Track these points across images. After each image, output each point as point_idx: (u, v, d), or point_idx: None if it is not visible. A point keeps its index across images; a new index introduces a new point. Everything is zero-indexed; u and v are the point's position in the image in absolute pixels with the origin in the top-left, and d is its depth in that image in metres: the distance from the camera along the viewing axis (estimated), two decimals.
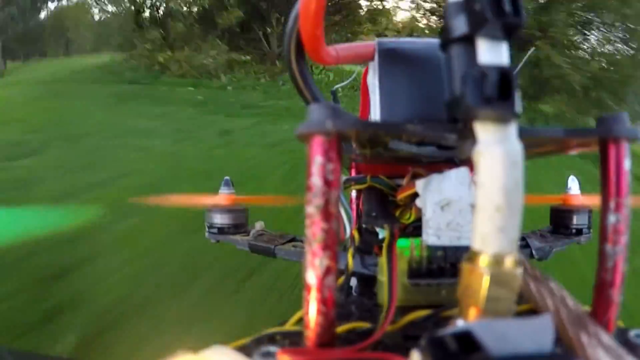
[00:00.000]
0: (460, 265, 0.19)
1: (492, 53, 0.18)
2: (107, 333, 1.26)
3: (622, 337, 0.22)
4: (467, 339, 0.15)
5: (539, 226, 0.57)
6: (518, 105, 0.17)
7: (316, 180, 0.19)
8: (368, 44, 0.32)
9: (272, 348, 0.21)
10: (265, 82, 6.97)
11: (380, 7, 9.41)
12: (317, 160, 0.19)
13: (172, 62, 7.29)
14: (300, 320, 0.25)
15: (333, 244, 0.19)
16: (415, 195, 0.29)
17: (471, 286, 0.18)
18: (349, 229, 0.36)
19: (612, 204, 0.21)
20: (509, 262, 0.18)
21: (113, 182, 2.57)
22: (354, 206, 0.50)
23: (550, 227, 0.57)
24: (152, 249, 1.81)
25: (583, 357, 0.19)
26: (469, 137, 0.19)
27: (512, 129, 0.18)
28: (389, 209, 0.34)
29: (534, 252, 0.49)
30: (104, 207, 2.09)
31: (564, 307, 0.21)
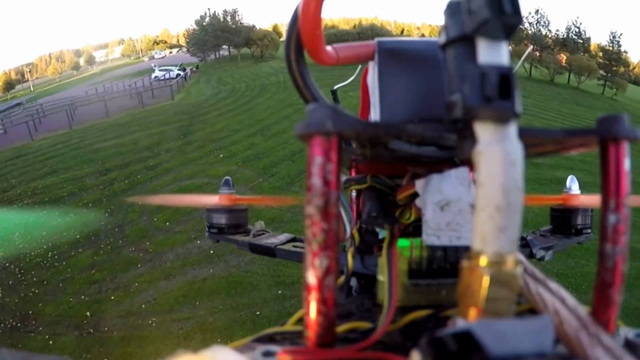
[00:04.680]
0: (460, 265, 0.19)
1: (492, 53, 0.18)
2: None
3: (622, 337, 0.22)
4: (467, 339, 0.15)
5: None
6: (518, 105, 0.17)
7: (316, 180, 0.19)
8: (368, 43, 0.32)
9: (272, 348, 0.20)
10: None
11: None
12: (317, 160, 0.19)
13: None
14: (300, 320, 0.25)
15: (333, 244, 0.19)
16: (415, 195, 0.29)
17: (471, 286, 0.18)
18: (349, 229, 0.36)
19: (612, 204, 0.21)
20: (509, 262, 0.18)
21: None
22: (354, 206, 0.49)
23: (550, 227, 0.57)
24: None
25: (583, 357, 0.19)
26: (469, 137, 0.19)
27: (512, 128, 0.18)
28: (389, 209, 0.34)
29: (534, 252, 0.49)
30: None
31: (564, 307, 0.21)
